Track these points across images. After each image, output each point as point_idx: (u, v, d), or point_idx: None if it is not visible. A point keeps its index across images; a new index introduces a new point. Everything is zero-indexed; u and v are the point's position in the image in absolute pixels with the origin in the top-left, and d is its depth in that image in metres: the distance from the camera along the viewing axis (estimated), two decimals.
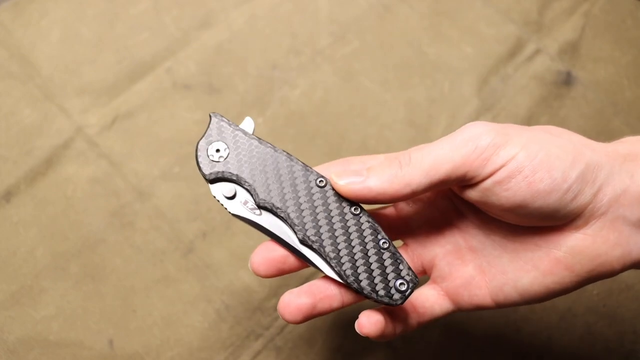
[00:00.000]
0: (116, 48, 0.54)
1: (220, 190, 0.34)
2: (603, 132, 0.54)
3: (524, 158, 0.30)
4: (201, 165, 0.34)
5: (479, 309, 0.35)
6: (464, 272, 0.35)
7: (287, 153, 0.35)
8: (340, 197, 0.34)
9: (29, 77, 0.52)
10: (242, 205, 0.34)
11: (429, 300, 0.35)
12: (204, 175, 0.34)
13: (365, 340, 0.46)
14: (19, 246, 0.47)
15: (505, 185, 0.30)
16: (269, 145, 0.35)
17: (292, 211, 0.34)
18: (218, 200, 0.35)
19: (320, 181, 0.34)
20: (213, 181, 0.34)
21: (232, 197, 0.35)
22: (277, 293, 0.47)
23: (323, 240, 0.33)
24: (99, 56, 0.54)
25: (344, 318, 0.46)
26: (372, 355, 0.45)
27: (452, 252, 0.36)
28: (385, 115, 0.53)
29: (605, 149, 0.32)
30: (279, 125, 0.53)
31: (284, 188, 0.34)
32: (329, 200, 0.34)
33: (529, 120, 0.54)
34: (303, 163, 0.34)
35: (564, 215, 0.31)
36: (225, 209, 0.35)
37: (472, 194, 0.32)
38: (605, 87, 0.56)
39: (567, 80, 0.56)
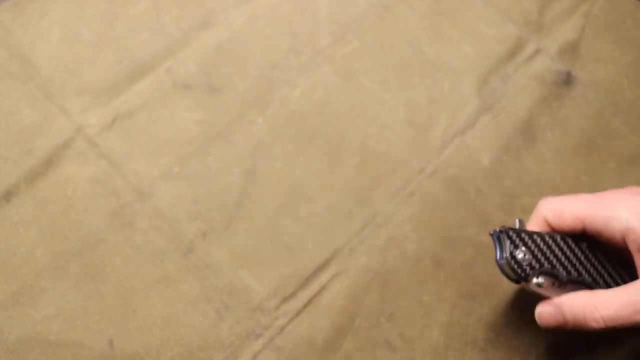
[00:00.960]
0: (116, 48, 0.54)
1: (533, 282, 0.40)
2: (603, 132, 0.54)
3: None
4: (520, 272, 0.39)
5: None
6: None
7: (552, 233, 0.42)
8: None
9: (28, 77, 0.52)
10: (554, 286, 0.41)
11: None
12: (525, 279, 0.39)
13: (365, 340, 0.46)
14: (18, 246, 0.47)
15: None
16: (545, 233, 0.41)
17: (587, 277, 0.41)
18: (533, 290, 0.40)
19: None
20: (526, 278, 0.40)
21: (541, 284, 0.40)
22: (277, 293, 0.47)
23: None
24: (99, 56, 0.54)
25: (344, 319, 0.46)
26: (372, 355, 0.45)
27: None
28: (385, 115, 0.53)
29: None
30: (279, 125, 0.53)
31: (569, 261, 0.41)
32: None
33: (529, 120, 0.54)
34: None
35: None
36: (542, 295, 0.41)
37: None
38: (605, 87, 0.56)
39: (567, 80, 0.56)
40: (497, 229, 0.40)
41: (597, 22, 0.58)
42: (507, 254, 0.39)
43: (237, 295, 0.47)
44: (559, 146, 0.53)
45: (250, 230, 0.49)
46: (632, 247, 0.37)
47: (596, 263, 0.42)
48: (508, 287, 0.48)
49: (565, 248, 0.41)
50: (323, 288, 0.47)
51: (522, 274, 0.39)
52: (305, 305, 0.47)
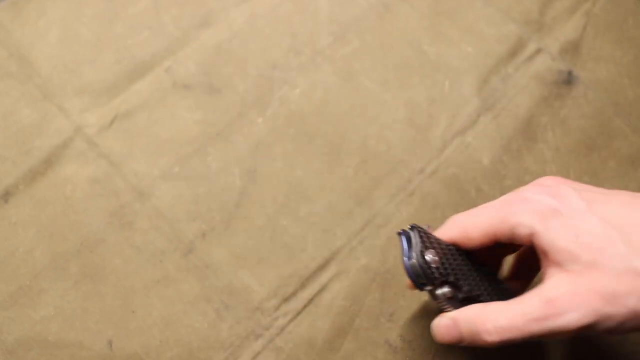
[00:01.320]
0: (115, 48, 0.54)
1: (440, 291, 0.38)
2: (604, 132, 0.54)
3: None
4: (426, 273, 0.37)
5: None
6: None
7: (458, 247, 0.40)
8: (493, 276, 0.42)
9: (27, 77, 0.52)
10: (456, 300, 0.38)
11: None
12: (432, 282, 0.37)
13: (366, 341, 0.46)
14: (17, 246, 0.47)
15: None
16: (452, 244, 0.40)
17: (485, 293, 0.40)
18: (436, 298, 0.38)
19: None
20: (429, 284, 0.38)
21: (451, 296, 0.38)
22: (277, 293, 0.47)
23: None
24: (98, 56, 0.54)
25: (344, 319, 0.46)
26: (372, 355, 0.45)
27: None
28: (385, 115, 0.53)
29: None
30: (279, 125, 0.53)
31: (473, 278, 0.39)
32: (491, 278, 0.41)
33: (530, 119, 0.53)
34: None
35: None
36: (444, 308, 0.39)
37: None
38: (606, 86, 0.56)
39: (568, 79, 0.55)
40: (408, 226, 0.38)
41: (598, 21, 0.58)
42: (417, 253, 0.37)
43: (237, 295, 0.46)
44: (559, 146, 0.53)
45: (250, 230, 0.49)
46: (538, 252, 0.35)
47: (494, 285, 0.40)
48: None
49: (466, 263, 0.39)
50: (323, 288, 0.47)
51: (431, 277, 0.37)
52: (305, 306, 0.46)
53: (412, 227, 0.38)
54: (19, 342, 0.44)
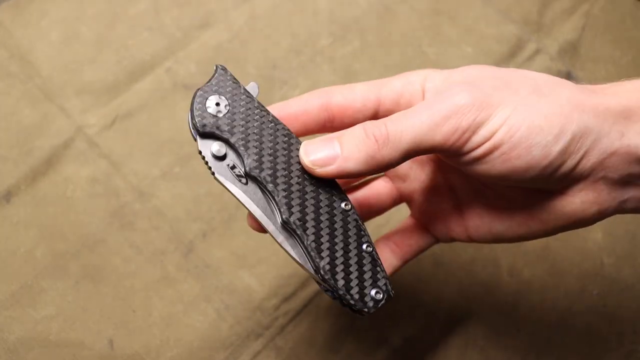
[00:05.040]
0: (116, 48, 0.54)
1: (210, 147, 0.31)
2: None
3: (503, 135, 0.28)
4: (195, 114, 0.31)
5: (454, 241, 0.36)
6: (442, 209, 0.36)
7: (288, 129, 0.32)
8: (332, 189, 0.32)
9: (28, 77, 0.52)
10: (229, 169, 0.31)
11: (411, 239, 0.37)
12: (195, 126, 0.31)
13: (366, 340, 0.46)
14: (19, 246, 0.47)
15: (482, 160, 0.29)
16: (271, 115, 0.32)
17: (282, 189, 0.31)
18: (204, 158, 0.31)
19: None
20: (203, 135, 0.31)
21: (221, 159, 0.31)
22: (277, 293, 0.47)
23: (307, 228, 0.31)
24: (99, 56, 0.54)
25: (344, 319, 0.46)
26: (372, 355, 0.45)
27: (431, 189, 0.36)
28: None
29: (597, 107, 0.29)
30: None
31: (277, 164, 0.31)
32: (321, 189, 0.31)
33: None
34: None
35: (542, 185, 0.30)
36: (210, 169, 0.31)
37: (450, 161, 0.32)
38: None
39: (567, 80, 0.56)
40: (226, 68, 0.33)
41: (597, 22, 0.58)
42: (206, 91, 0.31)
43: (237, 295, 0.47)
44: None
45: (250, 231, 0.48)
46: (429, 93, 0.32)
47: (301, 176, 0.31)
48: (508, 288, 0.48)
49: (280, 143, 0.32)
50: None
51: (199, 120, 0.31)
52: (306, 305, 0.47)
53: (224, 68, 0.33)
54: (20, 342, 0.44)
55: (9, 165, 0.49)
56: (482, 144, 0.29)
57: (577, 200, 0.31)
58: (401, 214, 0.50)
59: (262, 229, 0.32)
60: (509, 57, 0.56)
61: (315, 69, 0.55)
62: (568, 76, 0.56)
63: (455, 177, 0.36)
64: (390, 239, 0.37)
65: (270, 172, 0.31)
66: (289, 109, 0.34)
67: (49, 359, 0.44)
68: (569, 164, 0.29)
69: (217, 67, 0.32)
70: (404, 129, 0.29)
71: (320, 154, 0.30)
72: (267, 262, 0.48)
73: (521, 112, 0.29)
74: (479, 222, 0.34)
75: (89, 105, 0.52)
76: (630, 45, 0.57)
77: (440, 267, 0.48)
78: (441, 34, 0.57)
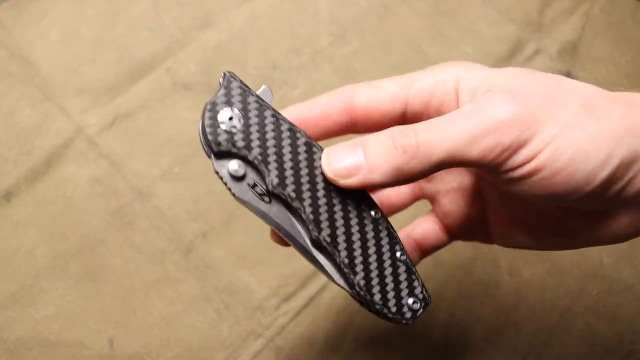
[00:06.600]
0: (116, 48, 0.54)
1: (227, 167, 0.28)
2: None
3: (546, 158, 0.26)
4: (208, 131, 0.28)
5: (475, 241, 0.35)
6: (467, 214, 0.34)
7: (307, 136, 0.29)
8: (360, 196, 0.29)
9: (28, 77, 0.52)
10: (250, 188, 0.29)
11: (431, 237, 0.36)
12: (209, 145, 0.28)
13: (366, 340, 0.46)
14: (18, 246, 0.47)
15: (520, 182, 0.27)
16: (289, 123, 0.29)
17: (308, 205, 0.28)
18: (222, 179, 0.29)
19: None
20: (219, 155, 0.28)
21: (241, 179, 0.29)
22: (277, 293, 0.47)
23: (339, 244, 0.29)
24: (99, 56, 0.54)
25: (344, 318, 0.46)
26: (372, 354, 0.45)
27: (458, 192, 0.34)
28: None
29: None
30: None
31: (301, 177, 0.28)
32: (348, 198, 0.29)
33: None
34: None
35: (579, 206, 0.29)
36: (229, 190, 0.29)
37: (483, 174, 0.30)
38: (605, 87, 0.55)
39: None
40: (235, 75, 0.30)
41: (597, 22, 0.58)
42: (217, 103, 0.28)
43: (237, 295, 0.47)
44: None
45: (250, 230, 0.49)
46: (463, 96, 0.29)
47: (334, 195, 0.29)
48: (508, 288, 0.48)
49: (301, 154, 0.29)
50: (323, 288, 0.47)
51: (212, 139, 0.28)
52: (306, 305, 0.47)
53: (234, 76, 0.30)
54: (20, 341, 0.44)
55: (9, 165, 0.49)
56: (523, 164, 0.26)
57: (615, 222, 0.29)
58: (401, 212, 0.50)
59: (288, 245, 0.30)
60: (509, 57, 0.56)
61: (315, 69, 0.55)
62: (568, 76, 0.56)
63: (486, 185, 0.34)
64: (410, 235, 0.35)
65: (294, 187, 0.28)
66: (308, 113, 0.31)
67: (49, 359, 0.44)
68: (613, 189, 0.27)
69: (225, 74, 0.30)
70: (437, 139, 0.26)
71: (343, 163, 0.28)
72: (267, 262, 0.48)
73: (568, 134, 0.26)
74: (505, 231, 0.33)
75: (89, 105, 0.52)
76: (631, 45, 0.57)
77: (440, 267, 0.48)
78: (441, 34, 0.57)
